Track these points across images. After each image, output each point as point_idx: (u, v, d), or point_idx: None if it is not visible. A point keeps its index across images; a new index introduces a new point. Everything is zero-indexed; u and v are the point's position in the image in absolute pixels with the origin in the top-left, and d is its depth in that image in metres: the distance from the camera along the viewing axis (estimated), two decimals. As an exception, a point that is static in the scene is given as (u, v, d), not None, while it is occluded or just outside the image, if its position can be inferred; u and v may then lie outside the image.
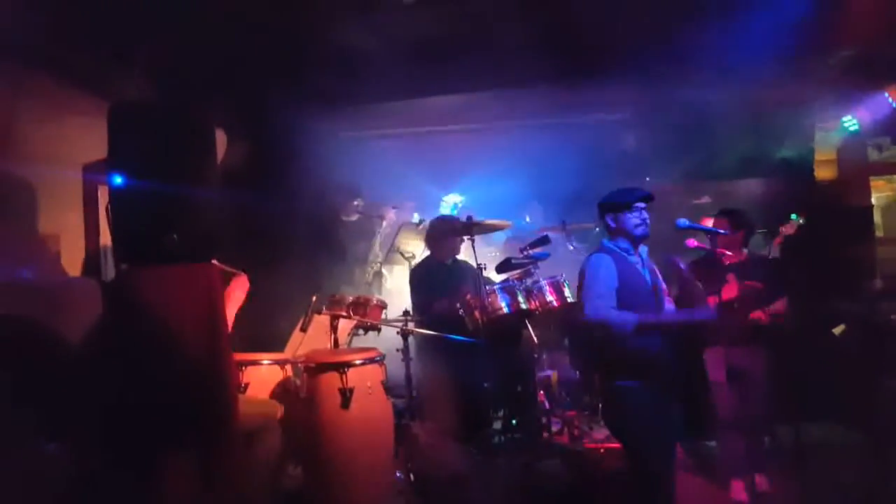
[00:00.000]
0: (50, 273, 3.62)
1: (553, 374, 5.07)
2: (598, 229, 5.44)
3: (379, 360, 3.97)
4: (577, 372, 5.29)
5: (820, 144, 6.10)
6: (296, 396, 3.94)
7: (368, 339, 4.64)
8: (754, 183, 6.16)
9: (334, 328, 4.30)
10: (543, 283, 4.44)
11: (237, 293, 3.39)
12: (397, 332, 4.45)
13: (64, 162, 3.75)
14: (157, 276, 2.84)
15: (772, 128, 5.90)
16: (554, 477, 3.99)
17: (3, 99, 3.43)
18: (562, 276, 4.47)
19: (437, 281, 4.78)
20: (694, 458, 4.56)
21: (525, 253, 4.65)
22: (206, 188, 2.92)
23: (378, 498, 3.79)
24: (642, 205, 3.29)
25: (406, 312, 4.61)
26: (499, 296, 4.33)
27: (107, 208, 2.90)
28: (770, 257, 4.61)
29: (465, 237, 4.73)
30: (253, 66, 4.53)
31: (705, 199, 6.13)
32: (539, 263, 4.71)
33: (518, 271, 4.75)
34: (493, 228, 5.08)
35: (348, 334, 4.55)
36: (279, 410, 3.69)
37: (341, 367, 3.76)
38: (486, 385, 4.60)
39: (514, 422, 4.65)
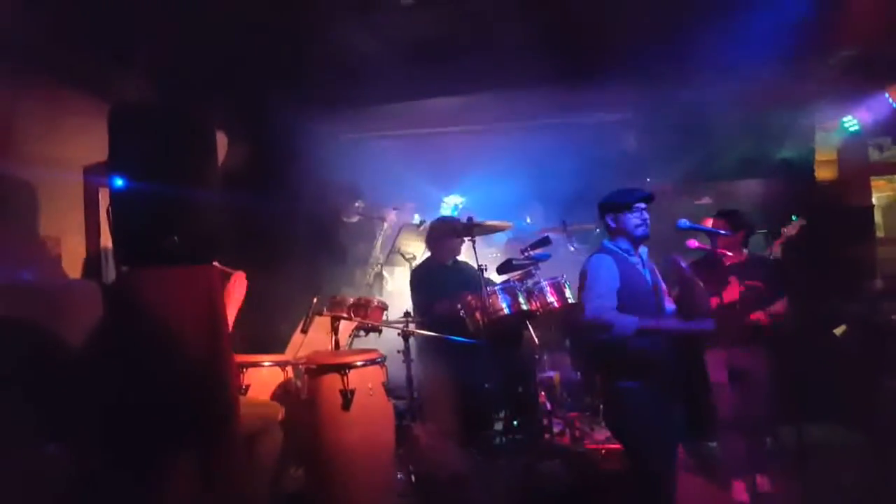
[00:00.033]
0: (51, 275, 3.61)
1: (555, 376, 5.06)
2: (598, 230, 5.44)
3: (380, 361, 3.97)
4: (579, 373, 5.27)
5: (820, 145, 6.09)
6: (297, 398, 3.94)
7: (369, 341, 4.64)
8: (755, 183, 6.17)
9: (335, 330, 4.30)
10: (544, 283, 4.43)
11: (236, 292, 3.38)
12: (398, 334, 4.45)
13: (65, 164, 3.74)
14: (158, 278, 2.83)
15: (772, 128, 5.90)
16: (555, 478, 3.97)
17: (3, 100, 3.43)
18: (563, 276, 4.46)
19: (438, 282, 4.78)
20: (695, 458, 4.54)
21: (526, 254, 4.64)
22: (206, 190, 2.91)
23: (379, 499, 3.78)
24: (643, 205, 3.29)
25: (407, 314, 4.61)
26: (500, 297, 4.32)
27: (107, 210, 2.91)
28: (771, 258, 4.61)
29: (466, 238, 4.72)
30: (253, 68, 4.52)
31: (706, 200, 6.14)
32: (540, 264, 4.70)
33: (519, 272, 4.74)
34: (494, 229, 5.06)
35: (349, 336, 4.55)
36: (280, 412, 3.69)
37: (342, 369, 3.75)
38: (487, 386, 4.58)
39: (515, 423, 4.63)
